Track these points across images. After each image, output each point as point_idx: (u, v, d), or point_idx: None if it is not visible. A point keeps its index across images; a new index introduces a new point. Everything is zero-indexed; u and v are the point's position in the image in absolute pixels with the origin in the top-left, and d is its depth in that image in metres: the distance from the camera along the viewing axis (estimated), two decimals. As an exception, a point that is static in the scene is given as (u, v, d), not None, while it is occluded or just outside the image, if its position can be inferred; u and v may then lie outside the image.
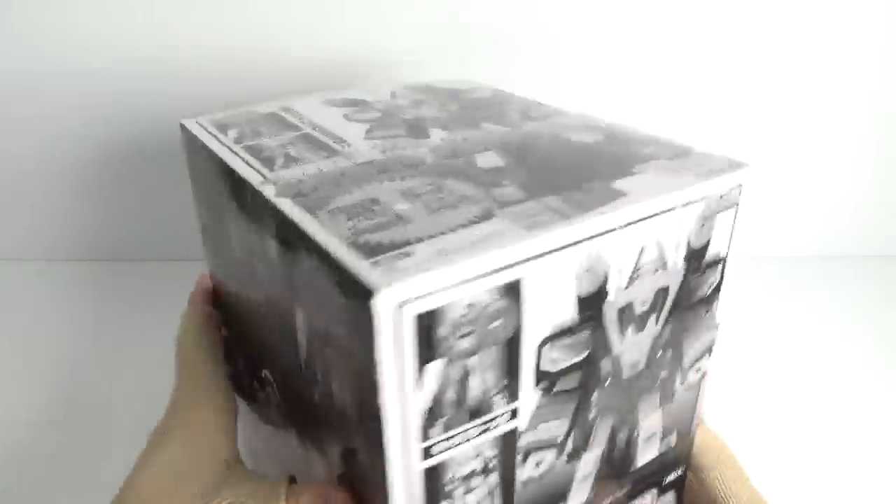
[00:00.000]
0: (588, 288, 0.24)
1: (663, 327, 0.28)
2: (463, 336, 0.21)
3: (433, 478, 0.24)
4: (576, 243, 0.23)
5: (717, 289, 0.30)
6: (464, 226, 0.23)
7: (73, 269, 0.63)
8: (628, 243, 0.24)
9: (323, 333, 0.24)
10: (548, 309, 0.23)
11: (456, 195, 0.25)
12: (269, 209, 0.25)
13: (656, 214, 0.25)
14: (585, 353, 0.26)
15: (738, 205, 0.28)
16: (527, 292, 0.22)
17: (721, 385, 0.50)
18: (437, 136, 0.32)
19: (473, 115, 0.36)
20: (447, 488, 0.24)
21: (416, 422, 0.22)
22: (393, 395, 0.21)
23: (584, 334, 0.25)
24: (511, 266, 0.22)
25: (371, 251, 0.21)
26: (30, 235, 0.63)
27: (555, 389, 0.25)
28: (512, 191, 0.25)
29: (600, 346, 0.26)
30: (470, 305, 0.21)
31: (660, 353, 0.29)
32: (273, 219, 0.25)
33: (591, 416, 0.28)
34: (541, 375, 0.24)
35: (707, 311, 0.30)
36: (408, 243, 0.22)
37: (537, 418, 0.26)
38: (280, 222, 0.25)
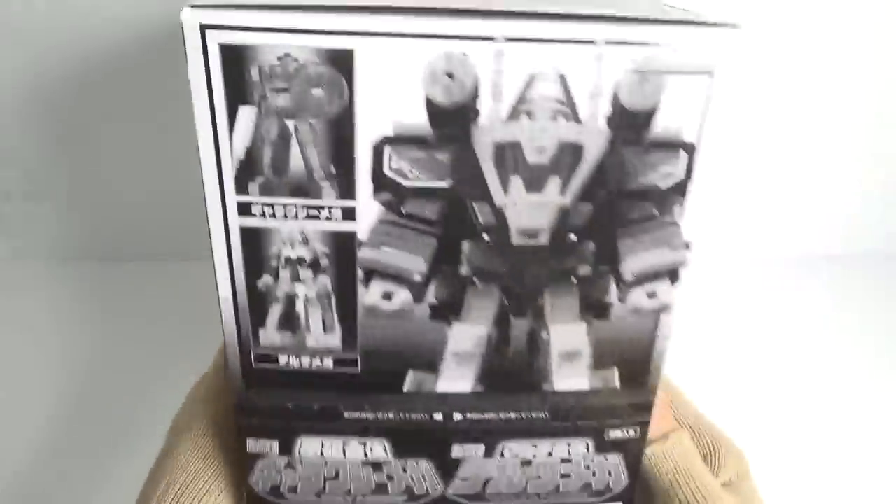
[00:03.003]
0: (447, 97, 0.22)
1: (578, 203, 0.24)
2: (277, 90, 0.22)
3: (254, 242, 0.24)
4: (429, 36, 0.21)
5: (681, 189, 0.24)
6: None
7: (73, 269, 0.62)
8: (510, 61, 0.21)
9: None
10: (388, 101, 0.22)
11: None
12: None
13: (553, 41, 0.21)
14: (447, 182, 0.23)
15: (711, 74, 0.22)
16: (360, 71, 0.21)
17: (721, 385, 0.49)
18: None
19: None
20: (272, 263, 0.25)
21: (230, 169, 0.23)
22: (206, 129, 0.22)
23: (445, 156, 0.23)
24: (338, 33, 0.21)
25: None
26: (30, 235, 0.62)
27: (405, 210, 0.24)
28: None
29: (473, 183, 0.23)
30: (285, 57, 0.21)
31: (573, 236, 0.25)
32: None
33: (463, 272, 0.25)
34: (382, 182, 0.23)
35: (661, 213, 0.24)
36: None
37: (381, 236, 0.24)
38: None
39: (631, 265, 0.25)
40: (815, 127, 0.61)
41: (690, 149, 0.23)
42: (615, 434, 0.29)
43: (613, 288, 0.26)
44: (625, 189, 0.24)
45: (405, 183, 0.23)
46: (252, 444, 0.28)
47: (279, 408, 0.27)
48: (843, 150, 0.62)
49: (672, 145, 0.23)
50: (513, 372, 0.27)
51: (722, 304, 0.58)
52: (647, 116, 0.23)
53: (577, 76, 0.22)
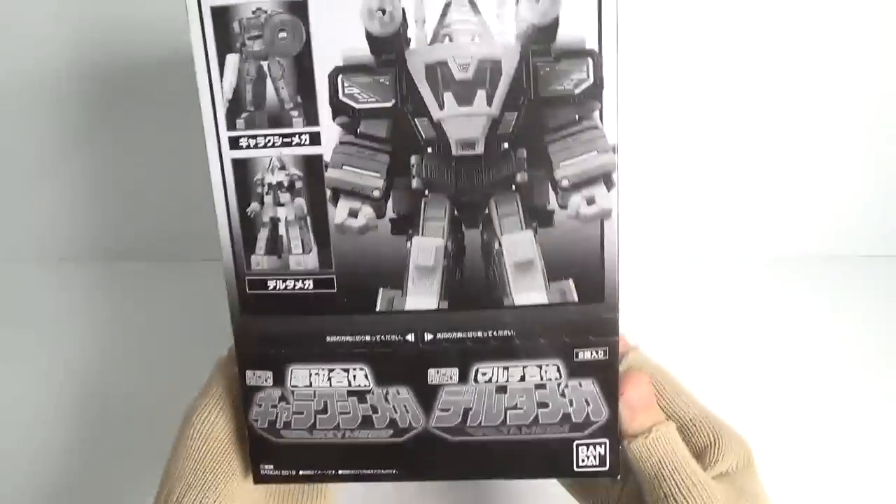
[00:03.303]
0: (381, 28, 0.27)
1: (503, 113, 0.28)
2: (253, 38, 0.28)
3: (242, 172, 0.29)
4: (363, -18, 0.27)
5: (595, 94, 0.28)
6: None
7: (73, 269, 0.62)
8: (428, -5, 0.27)
9: None
10: (337, 37, 0.28)
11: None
12: None
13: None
14: (392, 102, 0.28)
15: None
16: (313, 15, 0.28)
17: (721, 385, 0.47)
18: None
19: None
20: (257, 190, 0.30)
21: (222, 108, 0.29)
22: (203, 78, 0.29)
23: (386, 79, 0.28)
24: (295, -13, 0.27)
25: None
26: (30, 235, 0.63)
27: (360, 130, 0.29)
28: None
29: (412, 101, 0.28)
30: (257, 10, 0.28)
31: (505, 145, 0.28)
32: None
33: (415, 185, 0.29)
34: (338, 107, 0.28)
35: (581, 118, 0.28)
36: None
37: (343, 156, 0.29)
38: None
39: (563, 170, 0.28)
40: (815, 127, 0.61)
41: (595, 55, 0.27)
42: (584, 355, 0.30)
43: (552, 194, 0.29)
44: (542, 96, 0.28)
45: (357, 106, 0.28)
46: (250, 377, 0.32)
47: (270, 334, 0.31)
48: (844, 150, 0.62)
49: (577, 53, 0.27)
50: (473, 286, 0.30)
51: (722, 304, 0.57)
52: (550, 29, 0.27)
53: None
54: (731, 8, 0.57)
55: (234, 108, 0.29)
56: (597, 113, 0.28)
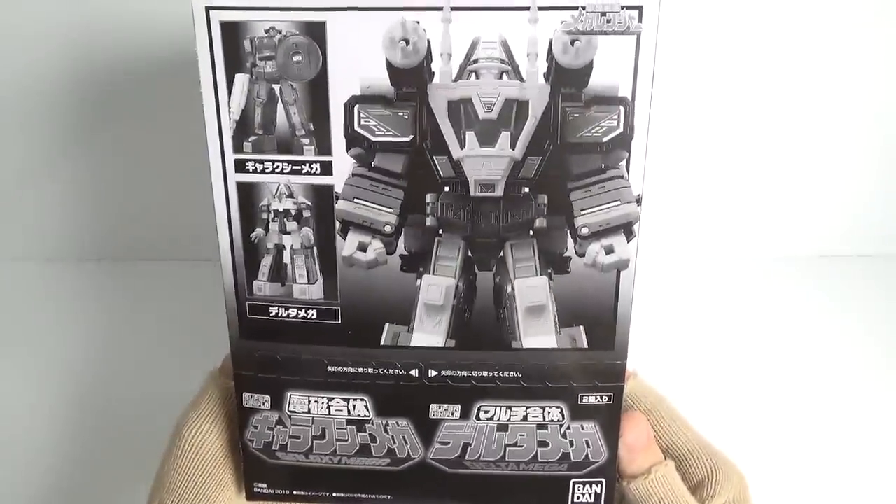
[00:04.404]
0: (403, 59, 0.26)
1: (527, 157, 0.27)
2: (265, 58, 0.26)
3: (247, 195, 0.28)
4: (387, 8, 0.25)
5: (624, 143, 0.26)
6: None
7: (73, 269, 0.62)
8: (457, 27, 0.25)
9: None
10: (355, 64, 0.26)
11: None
12: None
13: (492, 8, 0.25)
14: (410, 137, 0.27)
15: (638, 35, 0.25)
16: (332, 39, 0.26)
17: (721, 385, 0.49)
18: None
19: None
20: (263, 215, 0.28)
21: (228, 130, 0.27)
22: (210, 96, 0.27)
23: (406, 112, 0.26)
24: (313, 9, 0.25)
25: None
26: (30, 235, 0.62)
27: (374, 163, 0.27)
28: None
29: (432, 137, 0.27)
30: (271, 30, 0.26)
31: (526, 189, 0.27)
32: None
33: (428, 223, 0.28)
34: (353, 138, 0.27)
35: (608, 166, 0.27)
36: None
37: (355, 189, 0.27)
38: None
39: (584, 218, 0.27)
40: (815, 127, 0.60)
41: (627, 104, 0.26)
42: (588, 399, 0.30)
43: (570, 241, 0.28)
44: (569, 142, 0.26)
45: (373, 138, 0.27)
46: (247, 398, 0.31)
47: (270, 359, 0.30)
48: (844, 151, 0.62)
49: (609, 101, 0.26)
50: (483, 328, 0.29)
51: (722, 304, 0.58)
52: (583, 74, 0.25)
53: (515, 38, 0.25)
54: (731, 11, 0.56)
55: (242, 129, 0.27)
56: (624, 162, 0.27)
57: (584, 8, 0.25)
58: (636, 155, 0.26)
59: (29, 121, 0.57)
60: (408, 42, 0.25)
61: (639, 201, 0.27)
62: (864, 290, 0.62)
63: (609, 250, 0.28)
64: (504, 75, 0.26)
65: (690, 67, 0.58)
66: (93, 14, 0.53)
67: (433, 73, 0.26)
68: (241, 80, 0.26)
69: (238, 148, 0.27)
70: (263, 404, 0.31)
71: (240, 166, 0.28)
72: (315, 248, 0.28)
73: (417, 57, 0.25)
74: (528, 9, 0.25)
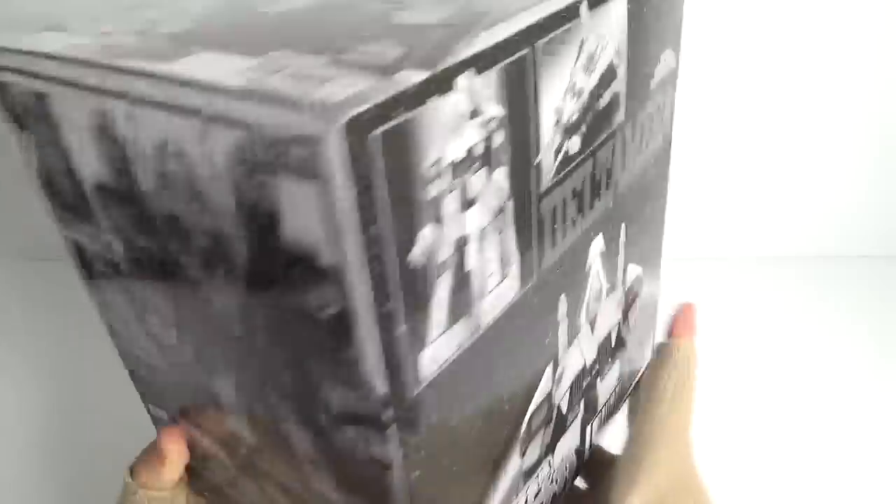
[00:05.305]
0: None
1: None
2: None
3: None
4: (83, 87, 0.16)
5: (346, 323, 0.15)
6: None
7: (73, 269, 0.67)
8: (142, 125, 0.16)
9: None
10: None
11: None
12: None
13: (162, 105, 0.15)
14: None
15: (322, 180, 0.11)
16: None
17: (721, 385, 0.49)
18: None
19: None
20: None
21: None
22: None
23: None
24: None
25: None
26: (31, 235, 0.60)
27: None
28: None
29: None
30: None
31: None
32: None
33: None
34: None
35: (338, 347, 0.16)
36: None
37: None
38: None
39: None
40: (815, 127, 0.61)
41: (334, 276, 0.14)
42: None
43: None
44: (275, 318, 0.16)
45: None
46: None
47: None
48: (844, 151, 0.62)
49: (309, 266, 0.14)
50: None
51: (722, 304, 0.58)
52: (270, 219, 0.14)
53: (193, 153, 0.15)
54: (731, 11, 0.56)
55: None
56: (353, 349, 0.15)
57: (256, 124, 0.13)
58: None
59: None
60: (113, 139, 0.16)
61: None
62: (864, 290, 0.62)
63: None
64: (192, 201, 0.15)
65: (690, 68, 0.58)
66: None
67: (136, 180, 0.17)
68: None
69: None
70: None
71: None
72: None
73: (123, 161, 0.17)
74: (199, 113, 0.14)
